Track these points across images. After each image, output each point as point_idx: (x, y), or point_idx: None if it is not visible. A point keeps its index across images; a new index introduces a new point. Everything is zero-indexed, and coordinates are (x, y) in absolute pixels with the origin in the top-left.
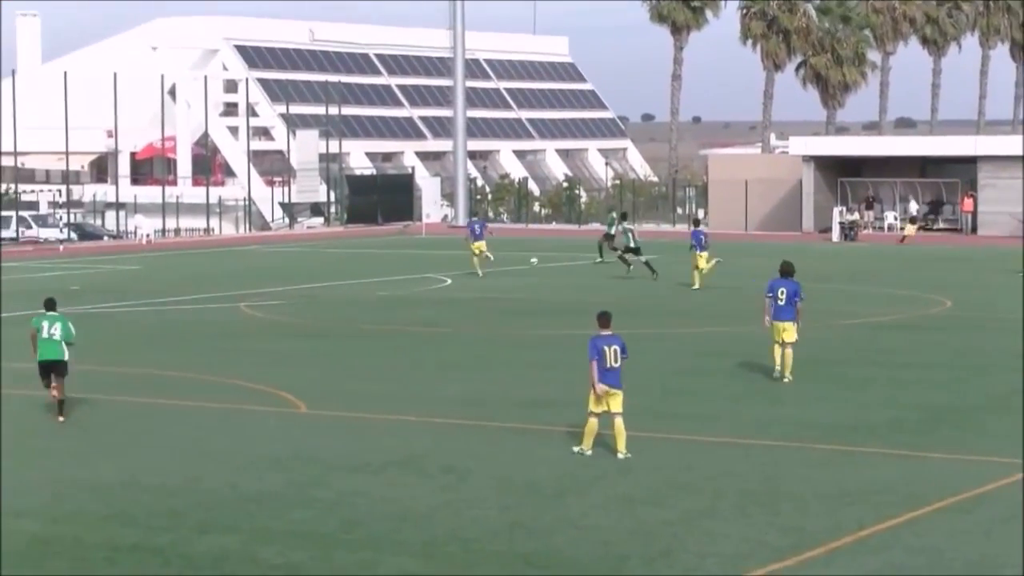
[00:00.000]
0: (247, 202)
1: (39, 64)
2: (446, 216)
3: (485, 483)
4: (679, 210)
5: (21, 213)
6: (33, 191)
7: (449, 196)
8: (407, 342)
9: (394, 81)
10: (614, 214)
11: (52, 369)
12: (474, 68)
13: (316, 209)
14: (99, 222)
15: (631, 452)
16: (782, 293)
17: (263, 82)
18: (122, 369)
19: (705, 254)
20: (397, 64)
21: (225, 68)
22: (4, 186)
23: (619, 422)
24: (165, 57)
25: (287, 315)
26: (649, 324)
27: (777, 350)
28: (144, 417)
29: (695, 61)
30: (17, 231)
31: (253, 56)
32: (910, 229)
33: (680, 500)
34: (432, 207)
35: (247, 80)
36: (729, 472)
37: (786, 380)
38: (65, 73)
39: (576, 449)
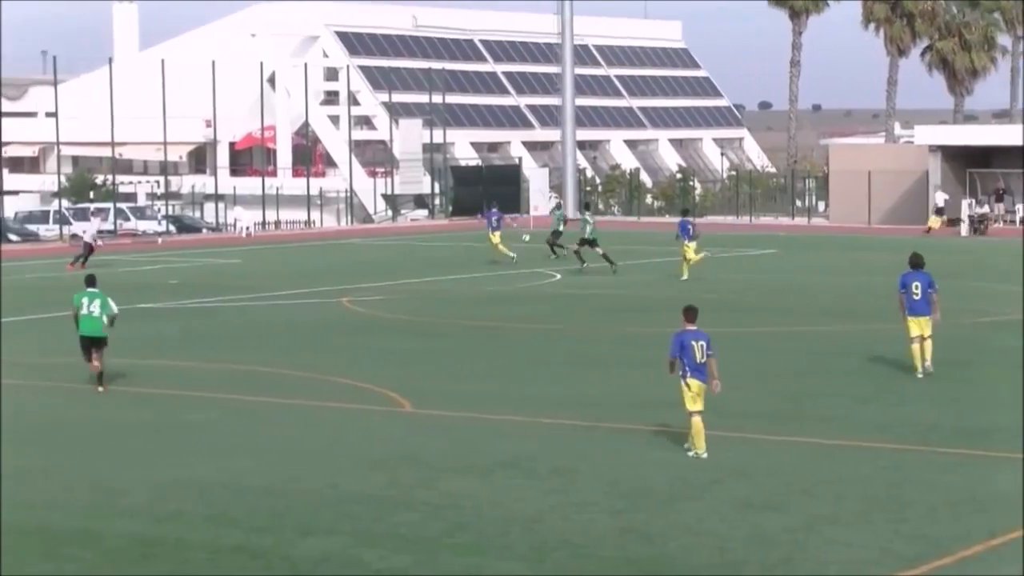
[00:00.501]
0: (348, 194)
1: (136, 52)
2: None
3: (595, 486)
4: (798, 202)
5: (119, 205)
6: (131, 182)
7: (557, 188)
8: (514, 339)
9: (500, 68)
10: (560, 211)
11: (93, 344)
12: (583, 54)
13: (420, 201)
14: (198, 214)
15: (752, 455)
16: (916, 287)
17: (365, 69)
18: (223, 366)
19: (693, 244)
20: (503, 50)
21: (326, 55)
22: (101, 178)
23: (697, 420)
24: (265, 44)
25: (390, 311)
26: (761, 322)
27: (916, 348)
28: (246, 416)
29: (815, 46)
30: (115, 223)
31: (355, 42)
32: (934, 221)
33: (800, 505)
34: (540, 199)
35: (348, 67)
36: (852, 476)
37: (928, 367)
38: (163, 61)
39: (691, 453)
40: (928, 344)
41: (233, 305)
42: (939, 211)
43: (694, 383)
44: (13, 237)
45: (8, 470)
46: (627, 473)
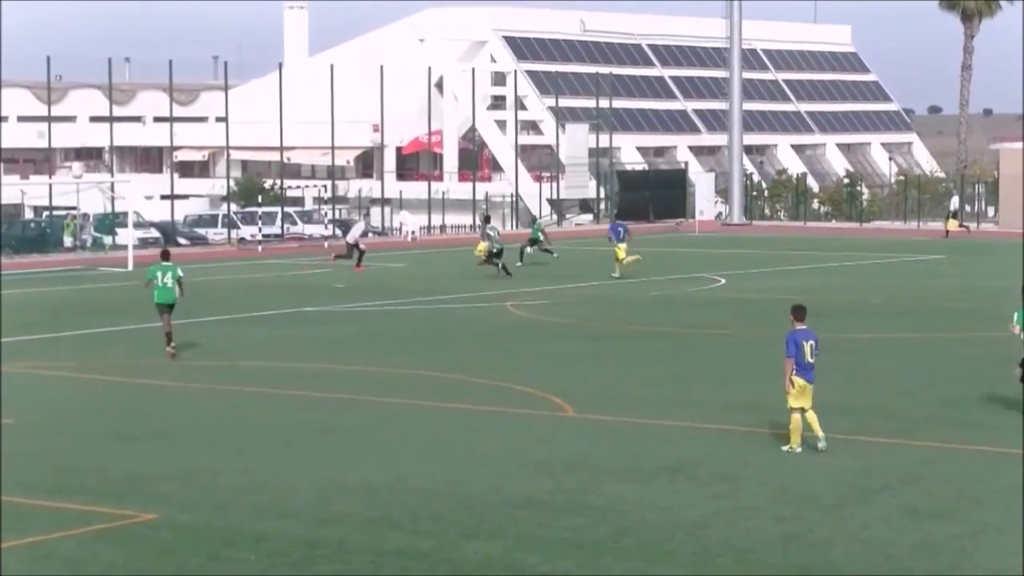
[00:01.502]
0: (514, 198)
1: (306, 57)
2: (720, 213)
3: (760, 492)
4: (967, 208)
5: (286, 209)
6: (298, 187)
7: (723, 192)
8: (679, 344)
9: (667, 72)
10: (540, 222)
11: (167, 310)
12: (751, 59)
13: (585, 205)
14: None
15: (919, 461)
16: None
17: (532, 74)
18: (389, 369)
19: (623, 246)
20: (671, 55)
21: (493, 60)
22: (269, 182)
23: (810, 415)
24: (433, 49)
25: (554, 315)
26: (928, 327)
27: None
28: (411, 419)
29: (987, 50)
30: (282, 227)
31: (522, 47)
32: (952, 224)
33: (970, 513)
34: (706, 204)
35: (516, 72)
36: (1021, 484)
37: None
38: (332, 66)
39: (785, 448)
40: None
41: (398, 309)
42: (954, 214)
43: (798, 381)
44: (182, 241)
45: (175, 471)
46: (792, 479)
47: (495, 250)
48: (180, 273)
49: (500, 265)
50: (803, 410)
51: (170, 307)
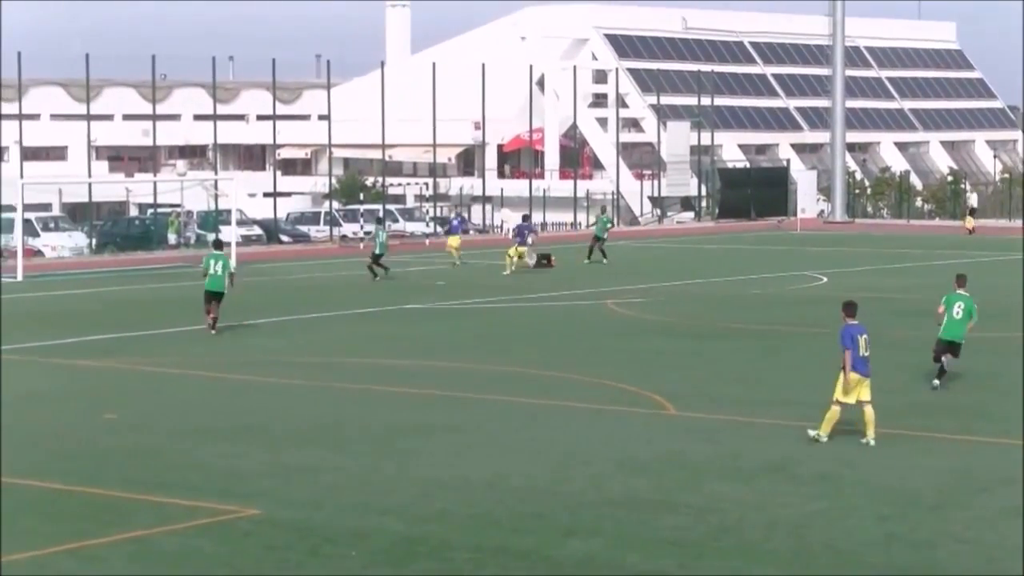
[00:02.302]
0: (615, 196)
1: (408, 55)
2: (822, 211)
3: (860, 491)
4: None
5: (388, 207)
6: (400, 184)
7: (825, 190)
8: (780, 342)
9: (769, 70)
10: (604, 216)
11: (216, 297)
12: (854, 56)
13: (686, 203)
14: (465, 215)
15: (1020, 462)
16: None
17: (633, 72)
18: (489, 367)
19: (524, 249)
20: (773, 52)
21: (594, 58)
22: (371, 179)
23: (869, 410)
24: (534, 47)
25: (655, 313)
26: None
27: None
28: (511, 416)
29: None
30: (384, 224)
31: (623, 45)
32: (969, 222)
33: None
34: (807, 202)
35: (617, 70)
36: None
37: None
38: (434, 64)
39: (812, 434)
40: None
41: (498, 306)
42: (972, 212)
43: (854, 376)
44: (284, 238)
45: (275, 468)
46: (893, 479)
47: (378, 252)
48: (232, 265)
49: (380, 267)
50: (861, 403)
51: (219, 295)
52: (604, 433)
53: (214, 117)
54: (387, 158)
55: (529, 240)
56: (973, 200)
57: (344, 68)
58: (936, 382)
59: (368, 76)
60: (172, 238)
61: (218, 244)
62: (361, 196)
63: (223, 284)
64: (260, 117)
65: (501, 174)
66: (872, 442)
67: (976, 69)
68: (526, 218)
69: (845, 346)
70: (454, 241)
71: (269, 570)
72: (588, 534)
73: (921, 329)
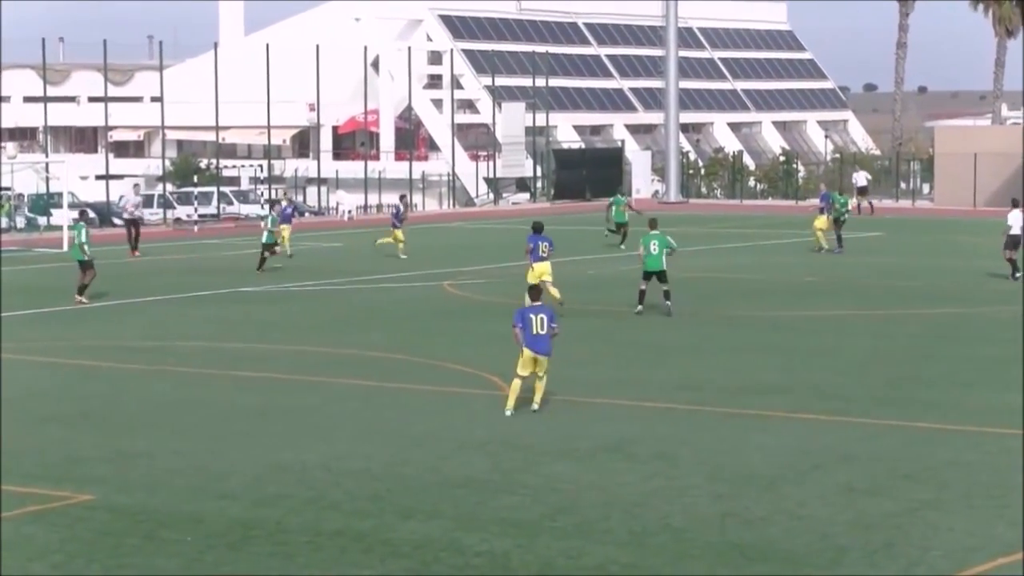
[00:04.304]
0: (451, 177)
1: (242, 37)
2: (657, 192)
3: (697, 470)
4: (903, 185)
5: (222, 189)
6: (234, 166)
7: (660, 171)
8: (617, 323)
9: (603, 51)
10: (620, 198)
11: (80, 266)
12: (687, 37)
13: (522, 184)
14: (300, 198)
15: (855, 439)
16: None
17: (468, 53)
18: (326, 349)
19: (398, 232)
20: (607, 33)
21: (429, 39)
22: (205, 162)
23: (540, 384)
24: (368, 28)
25: (492, 294)
26: (864, 305)
27: None
28: (347, 399)
29: (921, 28)
30: (218, 207)
31: (458, 26)
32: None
33: (903, 490)
34: (642, 182)
35: (452, 51)
36: (955, 462)
37: None
38: (267, 46)
39: (508, 412)
40: None
41: (335, 289)
42: (860, 192)
43: (528, 353)
44: (117, 221)
45: (111, 453)
46: (729, 458)
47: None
48: (83, 238)
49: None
50: (537, 376)
51: (81, 263)
52: (442, 415)
53: (44, 99)
54: (221, 140)
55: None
56: (861, 179)
57: (177, 49)
58: (640, 308)
59: (201, 57)
60: (3, 222)
61: (82, 214)
62: (195, 179)
63: (78, 253)
64: (92, 99)
65: (336, 156)
66: (536, 407)
67: (807, 50)
68: (403, 198)
69: (514, 323)
70: (285, 231)
71: (103, 556)
72: (427, 516)
73: (755, 310)
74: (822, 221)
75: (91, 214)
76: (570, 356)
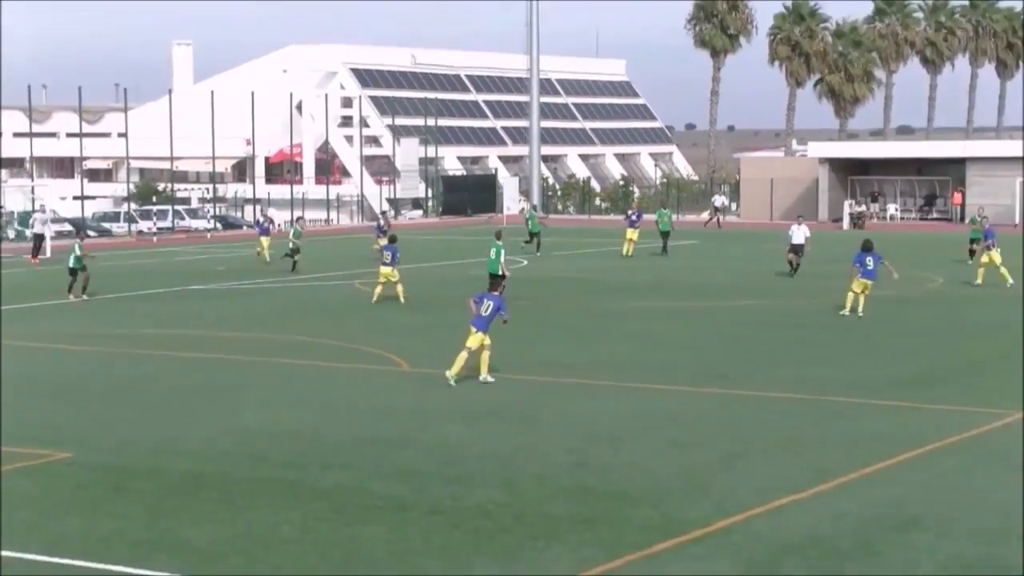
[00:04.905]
0: (360, 198)
1: (191, 84)
2: (522, 209)
3: (555, 430)
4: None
5: (176, 207)
6: (186, 189)
7: (525, 192)
8: None
9: (481, 97)
10: (533, 212)
11: (71, 273)
12: (547, 86)
13: (416, 203)
14: (239, 214)
15: (681, 404)
16: (869, 261)
17: (374, 99)
18: (263, 336)
19: (266, 240)
20: (484, 83)
21: (342, 87)
22: (162, 185)
23: (485, 355)
24: (294, 78)
25: (392, 291)
26: (687, 299)
27: (851, 296)
28: (282, 375)
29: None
30: (173, 222)
31: (365, 77)
32: (706, 215)
33: (718, 444)
34: (512, 202)
35: (360, 97)
36: (758, 421)
37: (859, 314)
38: (212, 92)
39: (451, 378)
40: (863, 298)
41: (269, 287)
42: (715, 211)
43: (472, 329)
44: (91, 232)
45: (85, 421)
46: (581, 420)
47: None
48: (78, 251)
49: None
50: (484, 347)
51: (72, 271)
52: (356, 387)
53: (30, 135)
54: (175, 168)
55: (378, 232)
56: (719, 200)
57: (139, 94)
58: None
59: (159, 101)
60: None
61: (79, 233)
62: (154, 199)
63: (77, 262)
64: (69, 134)
65: (268, 180)
66: (486, 378)
67: (641, 97)
68: (384, 213)
69: (474, 299)
70: (264, 241)
71: (80, 503)
72: (342, 468)
73: (600, 303)
74: (633, 233)
75: (84, 232)
76: (455, 338)
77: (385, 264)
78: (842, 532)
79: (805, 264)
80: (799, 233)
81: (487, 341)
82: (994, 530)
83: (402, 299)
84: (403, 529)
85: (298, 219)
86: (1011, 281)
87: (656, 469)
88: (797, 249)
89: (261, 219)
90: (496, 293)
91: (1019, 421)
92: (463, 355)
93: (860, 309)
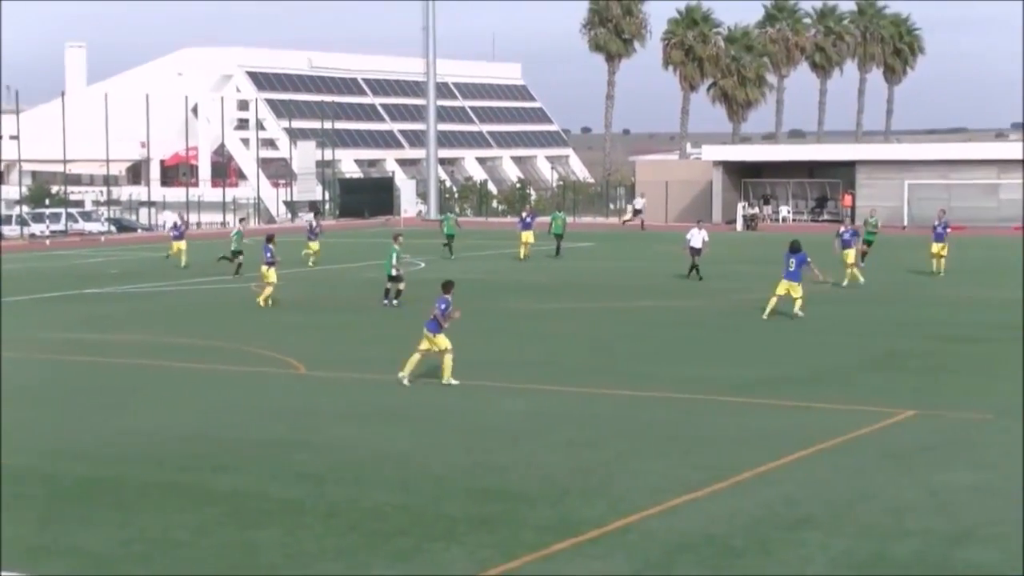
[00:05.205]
0: (256, 200)
1: (84, 87)
2: (420, 211)
3: (454, 430)
4: (611, 205)
5: (69, 210)
6: (79, 192)
7: (423, 195)
8: (391, 314)
9: (378, 101)
10: (449, 215)
11: None
12: (444, 89)
13: (313, 206)
14: (134, 217)
15: (577, 404)
16: (792, 262)
17: (270, 102)
18: (157, 338)
19: (180, 243)
20: (381, 87)
21: (238, 90)
22: (56, 188)
23: (445, 359)
24: (189, 81)
25: (289, 293)
26: (581, 300)
27: (774, 300)
28: (177, 378)
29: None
30: (66, 225)
31: (262, 80)
32: (627, 216)
33: (614, 444)
34: (409, 204)
35: (257, 100)
36: (653, 420)
37: (796, 313)
38: (106, 94)
39: (404, 378)
40: (799, 301)
41: (164, 290)
42: (636, 212)
43: (426, 332)
44: None
45: None
46: (478, 420)
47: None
48: None
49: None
50: (444, 353)
51: None
52: (252, 390)
53: None
54: (68, 171)
55: (309, 235)
56: (638, 203)
57: (31, 96)
58: (385, 303)
59: (52, 103)
60: None
61: None
62: (47, 201)
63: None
64: None
65: (164, 183)
66: (452, 382)
67: (537, 100)
68: (316, 214)
69: (437, 310)
70: (180, 244)
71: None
72: (237, 471)
73: (497, 302)
74: (528, 236)
75: None
76: (350, 340)
77: (271, 264)
78: (735, 530)
79: (702, 266)
80: (698, 237)
81: (447, 345)
82: (884, 527)
83: (263, 302)
84: (299, 532)
85: (241, 220)
86: (846, 282)
87: (553, 469)
88: (695, 252)
89: (178, 222)
90: (446, 295)
91: (908, 419)
92: (416, 357)
93: (796, 309)
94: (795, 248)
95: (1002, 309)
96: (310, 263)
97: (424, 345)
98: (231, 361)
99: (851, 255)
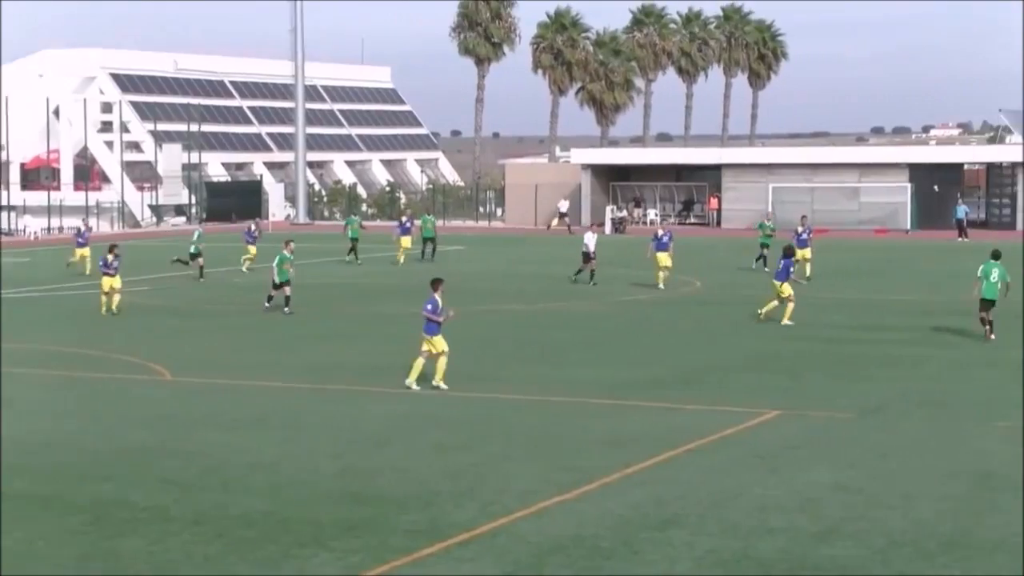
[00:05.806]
0: (121, 204)
1: None
2: (289, 215)
3: (321, 435)
4: (481, 209)
5: None
6: None
7: (291, 199)
8: (258, 320)
9: (245, 103)
10: (354, 218)
11: None
12: (312, 92)
13: (179, 210)
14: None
15: (447, 407)
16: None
17: (135, 104)
18: (20, 346)
19: (84, 250)
20: (248, 89)
21: (102, 92)
22: None
23: (440, 361)
24: (50, 83)
25: (155, 299)
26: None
27: (773, 303)
28: (39, 386)
29: (495, 86)
30: None
31: (126, 82)
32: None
33: (484, 446)
34: (277, 208)
35: (121, 102)
36: (522, 423)
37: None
38: None
39: (407, 382)
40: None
41: (25, 296)
42: (562, 216)
43: (423, 335)
44: None
45: None
46: (346, 424)
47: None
48: None
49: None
50: (440, 355)
51: None
52: (116, 397)
53: None
54: None
55: (248, 238)
56: (563, 206)
57: None
58: (267, 306)
59: None
60: None
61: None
62: None
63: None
64: None
65: (24, 187)
66: (442, 386)
67: (407, 104)
68: (257, 220)
69: (424, 311)
70: (84, 252)
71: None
72: (101, 479)
73: (368, 305)
74: (407, 241)
75: None
76: (216, 346)
77: (107, 274)
78: (604, 531)
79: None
80: (592, 241)
81: (444, 347)
82: (749, 526)
83: (114, 309)
84: (165, 540)
85: (201, 221)
86: (662, 285)
87: (422, 472)
88: (587, 257)
89: (83, 229)
90: (434, 294)
91: (774, 418)
92: (420, 361)
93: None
94: (787, 253)
95: (865, 311)
96: (245, 268)
97: (425, 347)
98: (94, 368)
99: (665, 258)
